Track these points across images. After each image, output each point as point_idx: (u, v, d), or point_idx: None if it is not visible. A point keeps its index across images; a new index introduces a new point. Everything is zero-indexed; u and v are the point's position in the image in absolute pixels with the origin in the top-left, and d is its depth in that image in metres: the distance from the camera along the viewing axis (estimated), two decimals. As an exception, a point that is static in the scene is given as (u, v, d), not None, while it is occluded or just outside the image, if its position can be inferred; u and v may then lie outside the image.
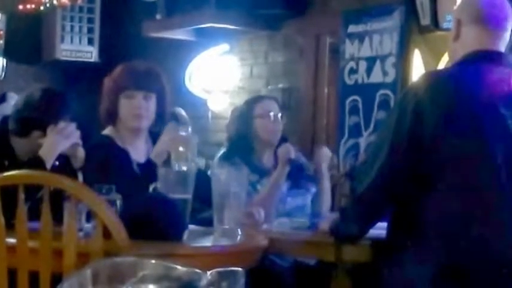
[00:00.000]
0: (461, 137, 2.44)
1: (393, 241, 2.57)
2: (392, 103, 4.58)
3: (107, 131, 3.24)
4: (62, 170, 2.76)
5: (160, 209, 2.45)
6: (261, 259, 2.68)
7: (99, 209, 2.25)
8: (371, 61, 4.79)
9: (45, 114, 2.95)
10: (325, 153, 3.69)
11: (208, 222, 2.81)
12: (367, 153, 3.62)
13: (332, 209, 3.72)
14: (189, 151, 2.91)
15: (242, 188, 2.80)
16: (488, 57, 2.56)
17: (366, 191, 2.54)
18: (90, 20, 6.85)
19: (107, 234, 2.23)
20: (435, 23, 4.44)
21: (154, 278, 1.78)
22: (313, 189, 3.68)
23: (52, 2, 6.12)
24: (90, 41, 6.85)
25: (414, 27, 4.59)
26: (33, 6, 6.26)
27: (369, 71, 4.80)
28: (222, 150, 3.92)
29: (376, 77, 4.75)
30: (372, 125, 4.75)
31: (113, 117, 3.20)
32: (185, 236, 2.46)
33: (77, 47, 6.80)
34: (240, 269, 1.83)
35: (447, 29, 3.78)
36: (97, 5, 6.87)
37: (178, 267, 1.81)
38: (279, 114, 3.68)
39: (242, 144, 3.66)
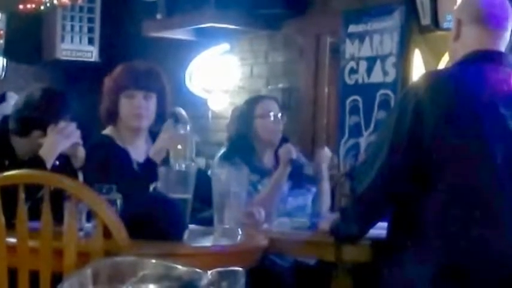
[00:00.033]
0: (461, 137, 2.44)
1: (393, 241, 2.57)
2: (392, 103, 4.58)
3: (107, 130, 3.24)
4: (62, 170, 2.76)
5: (160, 209, 2.45)
6: (261, 259, 2.68)
7: (100, 209, 2.25)
8: (371, 61, 4.79)
9: (46, 113, 2.95)
10: (325, 153, 3.69)
11: (208, 222, 2.81)
12: (367, 153, 3.62)
13: (332, 209, 3.72)
14: (187, 149, 2.92)
15: (242, 188, 2.80)
16: (489, 57, 2.56)
17: (366, 191, 2.54)
18: (91, 20, 6.85)
19: (107, 233, 2.23)
20: (435, 23, 4.44)
21: (155, 278, 1.78)
22: (314, 189, 3.68)
23: (52, 2, 6.12)
24: (91, 41, 6.85)
25: (414, 27, 4.59)
26: (33, 5, 6.25)
27: (369, 70, 4.80)
28: (222, 150, 3.92)
29: (377, 76, 4.75)
30: (372, 125, 4.75)
31: (113, 116, 3.21)
32: (185, 235, 2.46)
33: (77, 46, 6.80)
34: (240, 268, 1.84)
35: (447, 29, 3.78)
36: (97, 5, 6.87)
37: (179, 266, 1.81)
38: (279, 114, 3.68)
39: (242, 144, 3.66)
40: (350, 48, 4.90)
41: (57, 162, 2.86)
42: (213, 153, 4.46)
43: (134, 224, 2.31)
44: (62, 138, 2.87)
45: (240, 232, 2.65)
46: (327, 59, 5.38)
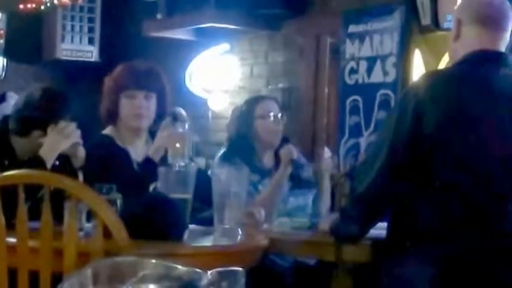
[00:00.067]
0: (461, 138, 2.44)
1: (393, 241, 2.57)
2: (392, 103, 4.58)
3: (107, 130, 3.24)
4: (62, 170, 2.76)
5: (160, 209, 2.45)
6: (261, 259, 2.68)
7: (100, 209, 2.24)
8: (371, 61, 4.79)
9: (46, 113, 2.95)
10: (328, 163, 3.65)
11: (208, 222, 2.81)
12: (367, 153, 3.62)
13: (332, 209, 3.71)
14: (185, 147, 2.92)
15: (242, 188, 2.80)
16: (489, 58, 2.56)
17: (366, 191, 2.54)
18: (91, 20, 6.85)
19: (107, 233, 2.23)
20: (436, 23, 4.44)
21: (155, 278, 1.78)
22: (314, 190, 3.68)
23: (53, 2, 6.12)
24: (91, 41, 6.85)
25: (415, 27, 4.59)
26: (33, 5, 6.26)
27: (369, 71, 4.80)
28: (222, 150, 3.92)
29: (377, 77, 4.76)
30: (372, 125, 4.75)
31: (113, 116, 3.21)
32: (185, 235, 2.46)
33: (78, 46, 6.80)
34: (240, 268, 1.83)
35: (448, 29, 3.78)
36: (97, 5, 6.87)
37: (179, 266, 1.81)
38: (279, 115, 3.67)
39: (242, 145, 3.65)
40: (350, 48, 4.90)
41: (57, 162, 2.86)
42: (213, 153, 4.46)
43: (134, 224, 2.31)
44: (62, 138, 2.87)
45: (240, 232, 2.65)
46: (327, 59, 5.38)
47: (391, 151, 2.49)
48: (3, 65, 6.86)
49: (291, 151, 3.52)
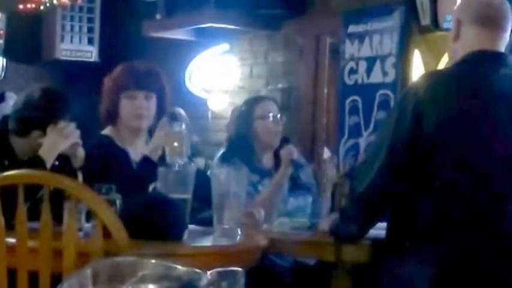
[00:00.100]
0: (461, 138, 2.44)
1: (393, 241, 2.57)
2: (392, 103, 4.58)
3: (107, 131, 3.24)
4: (61, 170, 2.76)
5: (160, 209, 2.45)
6: (261, 259, 2.68)
7: (99, 209, 2.25)
8: (371, 61, 4.79)
9: (45, 113, 2.94)
10: (332, 174, 3.63)
11: (208, 222, 2.81)
12: (366, 153, 3.62)
13: (332, 209, 3.71)
14: (183, 146, 2.92)
15: (242, 188, 2.80)
16: (488, 58, 2.56)
17: (365, 191, 2.54)
18: (90, 20, 6.85)
19: (106, 234, 2.23)
20: (435, 23, 4.44)
21: (155, 278, 1.78)
22: (314, 190, 3.68)
23: (52, 2, 6.12)
24: (90, 41, 6.85)
25: (414, 28, 4.59)
26: (33, 5, 6.26)
27: (368, 71, 4.80)
28: (222, 151, 3.92)
29: (376, 77, 4.75)
30: (371, 125, 4.75)
31: (112, 117, 3.21)
32: (185, 235, 2.46)
33: (77, 46, 6.80)
34: (240, 268, 1.83)
35: (447, 29, 3.78)
36: (97, 5, 6.86)
37: (178, 267, 1.81)
38: (279, 115, 3.67)
39: (241, 145, 3.65)
40: (350, 48, 4.90)
41: (57, 163, 2.86)
42: (213, 153, 4.45)
43: (134, 224, 2.31)
44: (62, 138, 2.87)
45: (240, 232, 2.65)
46: (327, 59, 5.38)
47: (390, 151, 2.49)
48: (2, 65, 6.86)
49: (292, 151, 3.52)
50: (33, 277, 2.25)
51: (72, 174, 2.83)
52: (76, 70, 6.77)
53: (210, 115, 6.09)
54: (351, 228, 2.62)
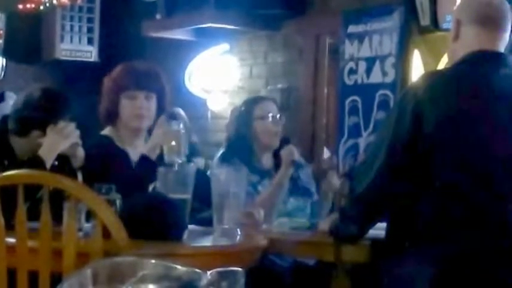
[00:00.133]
0: (460, 138, 2.44)
1: (392, 241, 2.57)
2: (391, 103, 4.58)
3: (106, 131, 3.24)
4: (61, 170, 2.76)
5: (159, 209, 2.45)
6: (260, 259, 2.68)
7: (99, 209, 2.25)
8: (370, 61, 4.79)
9: (45, 113, 2.94)
10: (334, 184, 3.61)
11: (207, 222, 2.81)
12: (366, 153, 3.62)
13: (332, 209, 3.71)
14: (181, 145, 2.93)
15: (241, 188, 2.80)
16: (488, 58, 2.56)
17: (365, 191, 2.54)
18: (90, 20, 6.85)
19: (106, 234, 2.23)
20: (435, 24, 4.44)
21: (154, 278, 1.78)
22: (314, 190, 3.68)
23: (52, 2, 6.13)
24: (90, 41, 6.85)
25: (414, 28, 4.59)
26: (33, 5, 6.26)
27: (368, 71, 4.80)
28: (222, 151, 3.92)
29: (376, 77, 4.76)
30: (371, 125, 4.75)
31: (112, 117, 3.20)
32: (185, 235, 2.46)
33: (77, 46, 6.80)
34: (240, 269, 1.83)
35: (447, 30, 3.78)
36: (97, 5, 6.87)
37: (178, 267, 1.81)
38: (278, 116, 3.67)
39: (241, 145, 3.65)
40: (349, 48, 4.90)
41: (56, 163, 2.86)
42: (212, 153, 4.46)
43: (133, 224, 2.31)
44: (61, 139, 2.87)
45: (239, 232, 2.65)
46: (326, 59, 5.38)
47: (390, 151, 2.49)
48: (2, 65, 6.87)
49: (292, 152, 3.52)
50: (33, 277, 2.25)
51: (72, 174, 2.83)
52: (76, 70, 6.77)
53: (209, 115, 6.09)
54: (350, 229, 2.63)
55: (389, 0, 4.73)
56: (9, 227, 2.29)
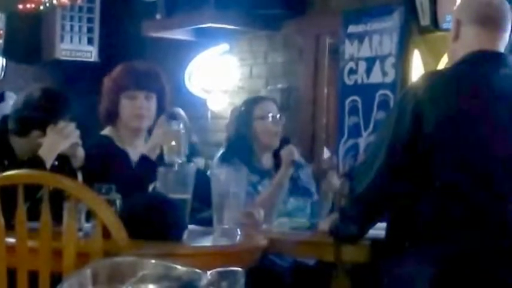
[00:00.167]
0: (460, 138, 2.44)
1: (392, 241, 2.57)
2: (391, 103, 4.58)
3: (106, 131, 3.24)
4: (61, 170, 2.76)
5: (159, 209, 2.45)
6: (261, 259, 2.68)
7: (99, 209, 2.25)
8: (370, 61, 4.79)
9: (45, 113, 2.94)
10: (334, 184, 3.61)
11: (207, 222, 2.81)
12: (366, 153, 3.62)
13: (332, 209, 3.71)
14: (181, 145, 2.93)
15: (241, 188, 2.80)
16: (488, 58, 2.56)
17: (365, 191, 2.54)
18: (90, 20, 6.85)
19: (106, 234, 2.23)
20: (435, 24, 4.44)
21: (154, 278, 1.78)
22: (313, 190, 3.68)
23: (52, 2, 6.13)
24: (90, 41, 6.85)
25: (414, 28, 4.59)
26: (33, 5, 6.26)
27: (368, 71, 4.80)
28: (222, 151, 3.92)
29: (376, 77, 4.76)
30: (371, 125, 4.75)
31: (112, 117, 3.20)
32: (185, 235, 2.46)
33: (77, 46, 6.80)
34: (240, 269, 1.83)
35: (447, 30, 3.78)
36: (97, 5, 6.87)
37: (178, 267, 1.81)
38: (278, 116, 3.67)
39: (241, 145, 3.65)
40: (349, 48, 4.90)
41: (56, 163, 2.86)
42: (212, 153, 4.46)
43: (133, 224, 2.31)
44: (61, 139, 2.87)
45: (239, 232, 2.65)
46: (326, 59, 5.38)
47: (390, 151, 2.49)
48: (2, 65, 6.87)
49: (293, 152, 3.52)
50: (33, 277, 2.25)
51: (72, 174, 2.83)
52: (76, 70, 6.77)
53: (209, 115, 6.09)
54: (350, 229, 2.63)
55: (389, 0, 4.73)
56: (9, 227, 2.29)
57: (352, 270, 2.78)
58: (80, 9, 6.80)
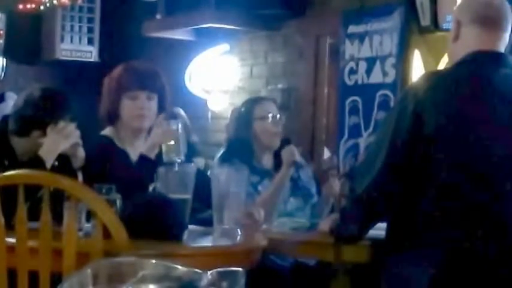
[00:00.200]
0: (461, 138, 2.44)
1: (392, 241, 2.57)
2: (392, 103, 4.58)
3: (106, 131, 3.24)
4: (61, 170, 2.76)
5: (160, 209, 2.45)
6: (261, 259, 2.68)
7: (99, 209, 2.25)
8: (371, 61, 4.79)
9: (45, 113, 2.94)
10: (335, 188, 3.60)
11: (207, 222, 2.81)
12: (366, 153, 3.62)
13: (332, 209, 3.71)
14: (180, 144, 2.93)
15: (241, 188, 2.80)
16: (488, 58, 2.56)
17: (365, 191, 2.54)
18: (90, 20, 6.86)
19: (106, 234, 2.23)
20: (435, 24, 4.44)
21: (155, 278, 1.78)
22: (314, 190, 3.68)
23: (52, 2, 6.13)
24: (90, 41, 6.85)
25: (414, 28, 4.59)
26: (33, 5, 6.27)
27: (368, 71, 4.80)
28: (222, 151, 3.92)
29: (376, 77, 4.76)
30: (371, 126, 4.75)
31: (113, 117, 3.20)
32: (185, 236, 2.46)
33: (77, 46, 6.81)
34: (240, 269, 1.83)
35: (447, 30, 3.78)
36: (97, 5, 6.87)
37: (179, 267, 1.80)
38: (278, 116, 3.67)
39: (241, 146, 3.65)
40: (349, 48, 4.91)
41: (57, 163, 2.86)
42: (213, 153, 4.46)
43: (134, 224, 2.31)
44: (62, 139, 2.87)
45: (240, 232, 2.65)
46: (327, 59, 5.38)
47: (390, 151, 2.49)
48: (3, 65, 6.87)
49: (293, 152, 3.52)
50: (33, 277, 2.25)
51: (72, 174, 2.83)
52: (76, 70, 6.77)
53: (209, 115, 6.09)
54: (350, 229, 2.62)
55: (389, 0, 4.73)
56: (9, 227, 2.29)
57: (352, 270, 2.78)
58: (80, 9, 6.80)
